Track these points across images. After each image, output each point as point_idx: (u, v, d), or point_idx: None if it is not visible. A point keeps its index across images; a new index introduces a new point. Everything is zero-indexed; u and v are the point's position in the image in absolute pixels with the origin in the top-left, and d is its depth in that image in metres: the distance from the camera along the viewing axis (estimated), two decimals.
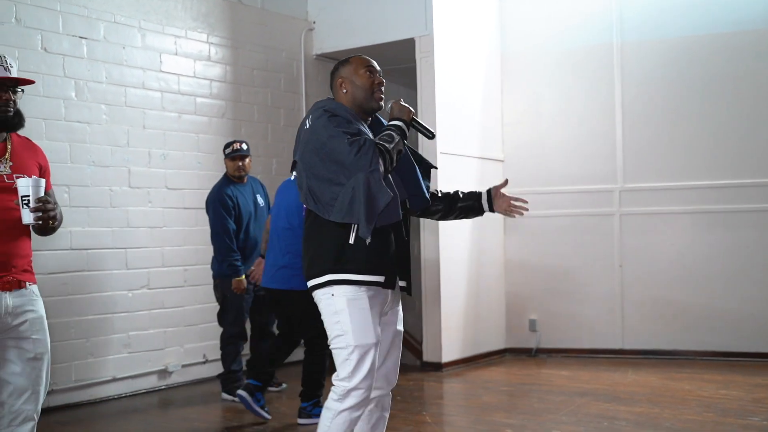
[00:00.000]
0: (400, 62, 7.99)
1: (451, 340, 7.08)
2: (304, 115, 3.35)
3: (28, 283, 3.11)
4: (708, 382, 6.17)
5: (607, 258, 7.54)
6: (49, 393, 5.57)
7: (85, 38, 5.94)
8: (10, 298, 3.02)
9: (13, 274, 3.04)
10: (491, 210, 3.56)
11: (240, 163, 5.90)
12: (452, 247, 7.10)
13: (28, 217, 2.95)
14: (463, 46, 7.49)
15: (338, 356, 3.13)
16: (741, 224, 7.13)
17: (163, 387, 6.39)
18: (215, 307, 6.23)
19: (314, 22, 7.84)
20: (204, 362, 6.72)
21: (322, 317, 3.19)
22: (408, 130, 3.24)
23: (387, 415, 3.39)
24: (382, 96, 3.34)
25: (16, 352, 3.05)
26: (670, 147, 7.39)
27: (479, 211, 3.59)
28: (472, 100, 7.59)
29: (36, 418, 3.11)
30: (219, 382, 6.13)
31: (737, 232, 7.15)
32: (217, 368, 6.75)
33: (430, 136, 3.39)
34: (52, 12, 5.74)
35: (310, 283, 3.20)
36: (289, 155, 7.48)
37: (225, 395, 5.95)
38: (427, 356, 7.09)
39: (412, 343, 7.69)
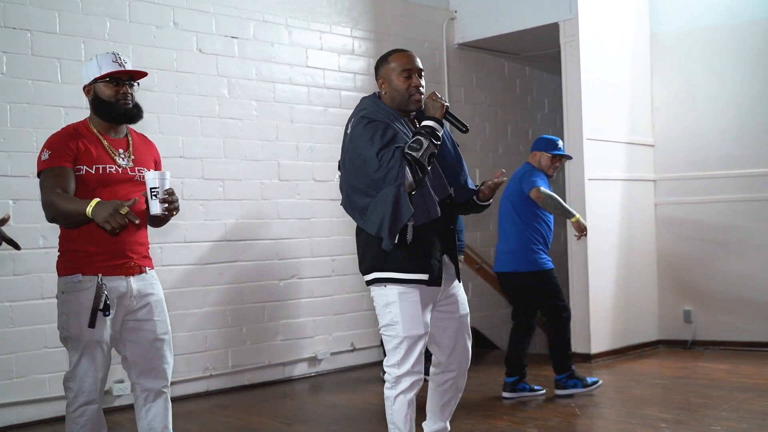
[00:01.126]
0: (544, 48, 7.86)
1: (599, 331, 6.90)
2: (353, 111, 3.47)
3: (148, 269, 3.31)
4: None
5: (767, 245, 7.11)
6: (207, 377, 5.90)
7: (236, 38, 6.19)
8: (134, 283, 3.23)
9: (135, 260, 3.24)
10: (479, 200, 3.60)
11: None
12: (600, 237, 6.90)
13: (156, 207, 3.07)
14: (610, 29, 7.25)
15: (388, 343, 3.35)
16: None
17: (313, 374, 6.58)
18: (362, 296, 6.34)
19: (455, 11, 7.82)
20: (352, 350, 6.86)
21: (375, 306, 3.40)
22: (442, 126, 3.29)
23: (460, 395, 3.62)
24: (420, 97, 3.37)
25: (140, 334, 3.26)
26: None
27: (476, 206, 3.65)
28: (619, 84, 7.34)
29: (166, 392, 3.34)
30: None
31: None
32: (365, 356, 6.89)
33: (464, 130, 3.42)
34: (206, 14, 6.01)
35: (365, 278, 3.42)
36: None
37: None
38: (576, 347, 6.94)
39: None
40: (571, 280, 6.97)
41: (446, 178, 3.43)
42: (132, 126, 3.37)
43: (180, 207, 3.23)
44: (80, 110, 5.11)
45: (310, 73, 6.68)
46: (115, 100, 3.21)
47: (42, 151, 3.15)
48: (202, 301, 5.94)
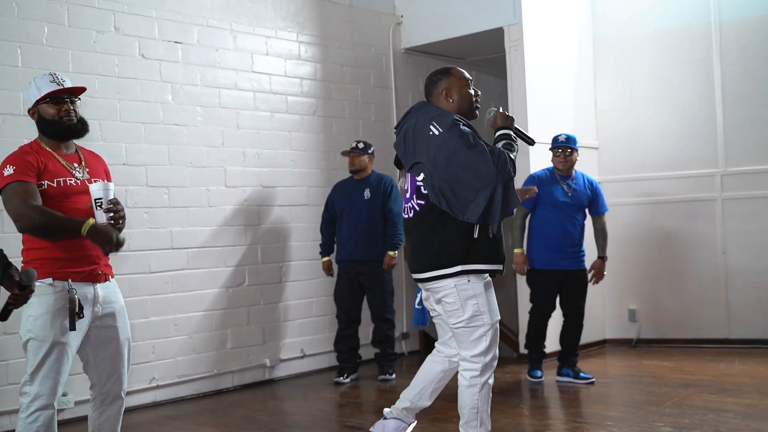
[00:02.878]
0: (489, 52, 7.93)
1: (547, 332, 6.96)
2: (412, 118, 3.76)
3: (110, 277, 3.49)
4: None
5: (710, 245, 7.28)
6: (154, 388, 5.81)
7: (180, 43, 6.12)
8: (100, 290, 3.40)
9: (101, 268, 3.41)
10: None
11: (354, 160, 6.39)
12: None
13: (101, 217, 3.25)
14: (553, 33, 7.36)
15: (471, 335, 3.61)
16: None
17: (263, 381, 6.52)
18: (312, 302, 6.33)
19: (402, 16, 7.85)
20: (302, 357, 6.82)
21: (449, 302, 3.63)
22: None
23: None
24: (480, 108, 3.83)
25: (103, 339, 3.41)
26: None
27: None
28: (563, 88, 7.45)
29: (123, 397, 3.51)
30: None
31: None
32: (315, 363, 6.87)
33: (532, 143, 3.82)
34: (148, 19, 5.93)
35: (435, 273, 3.63)
36: (380, 149, 7.53)
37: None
38: (524, 348, 7.00)
39: (508, 334, 7.62)
40: (519, 283, 7.03)
41: None
42: (78, 141, 3.53)
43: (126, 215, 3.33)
44: (17, 117, 5.03)
45: (256, 78, 6.64)
46: (58, 118, 3.37)
47: (3, 167, 3.28)
48: (148, 311, 5.85)
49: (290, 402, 6.02)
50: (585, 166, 7.43)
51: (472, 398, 3.63)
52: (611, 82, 7.73)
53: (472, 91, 3.76)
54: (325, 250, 6.50)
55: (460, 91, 3.73)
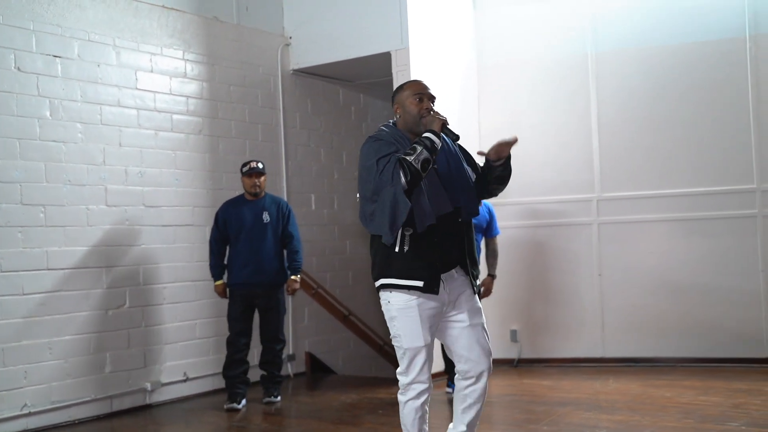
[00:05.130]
0: (378, 76, 8.02)
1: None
2: None
3: None
4: (688, 388, 6.20)
5: (586, 267, 7.57)
6: (26, 415, 5.55)
7: (59, 57, 5.92)
8: None
9: None
10: (493, 162, 3.74)
11: (255, 181, 6.26)
12: None
13: None
14: (440, 60, 7.52)
15: (397, 352, 3.62)
16: (717, 231, 7.19)
17: (143, 406, 6.34)
18: (195, 324, 6.20)
19: (291, 38, 7.86)
20: (185, 380, 6.67)
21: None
22: (440, 138, 3.50)
23: (481, 403, 3.71)
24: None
25: None
26: (646, 156, 7.45)
27: (493, 171, 3.75)
28: (449, 113, 7.48)
29: None
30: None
31: (714, 239, 7.20)
32: (198, 386, 6.73)
33: (455, 138, 3.64)
34: (25, 31, 5.72)
35: (375, 284, 3.66)
36: (267, 170, 7.49)
37: None
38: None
39: (393, 355, 7.67)
40: None
41: (453, 193, 3.60)
42: None
43: None
44: None
45: (140, 95, 6.50)
46: None
47: None
48: (21, 334, 5.59)
49: (171, 427, 5.87)
50: None
51: (401, 414, 3.65)
52: (494, 108, 7.96)
53: (417, 107, 3.62)
54: (218, 272, 6.26)
55: (405, 106, 3.66)
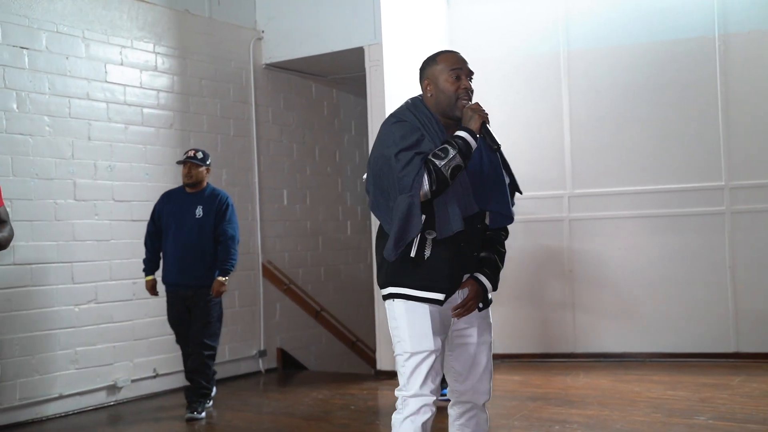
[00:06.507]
0: (351, 71, 8.01)
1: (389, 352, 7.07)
2: None
3: None
4: (656, 383, 6.27)
5: (558, 263, 7.62)
6: None
7: (27, 48, 5.83)
8: None
9: None
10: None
11: (189, 171, 5.83)
12: None
13: None
14: (413, 55, 7.47)
15: (398, 365, 3.03)
16: (686, 228, 7.28)
17: (112, 403, 6.28)
18: (165, 320, 6.14)
19: (263, 32, 7.81)
20: (155, 376, 6.61)
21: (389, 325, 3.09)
22: (476, 140, 2.95)
23: None
24: (467, 103, 3.04)
25: None
26: (616, 153, 7.51)
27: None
28: None
29: None
30: None
31: (682, 236, 7.28)
32: (168, 382, 6.68)
33: (495, 147, 3.07)
34: None
35: (382, 291, 3.09)
36: (239, 165, 7.44)
37: None
38: (381, 365, 7.08)
39: (366, 351, 7.68)
40: (377, 303, 7.10)
41: (484, 194, 3.07)
42: None
43: None
44: None
45: (110, 88, 6.42)
46: None
47: None
48: None
49: (141, 425, 5.81)
50: None
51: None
52: None
53: (455, 85, 3.02)
54: (150, 267, 5.86)
55: (440, 83, 3.03)
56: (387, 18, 7.12)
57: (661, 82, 7.40)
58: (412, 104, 3.07)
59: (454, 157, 2.85)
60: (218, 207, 5.79)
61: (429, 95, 3.07)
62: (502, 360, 7.66)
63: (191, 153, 5.88)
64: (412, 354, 2.94)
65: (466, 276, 3.04)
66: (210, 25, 7.35)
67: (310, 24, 7.54)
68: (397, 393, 3.01)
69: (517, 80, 7.84)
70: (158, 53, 6.83)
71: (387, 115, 3.12)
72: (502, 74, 7.87)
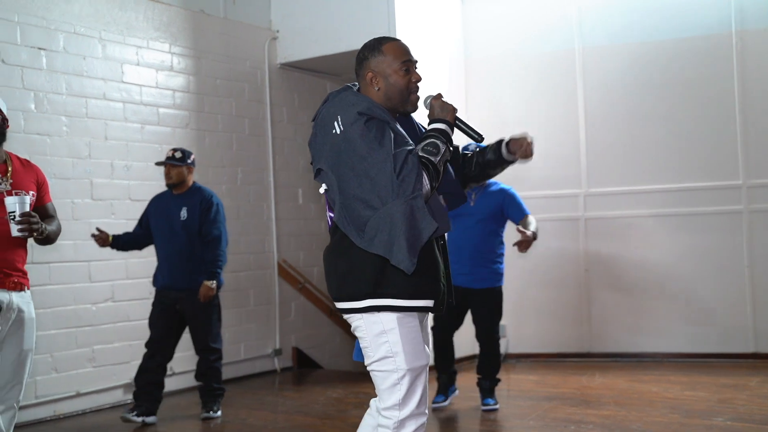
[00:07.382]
0: None
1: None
2: (322, 112, 2.84)
3: (26, 288, 3.63)
4: (674, 383, 6.23)
5: (573, 262, 7.59)
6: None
7: (44, 49, 5.87)
8: (15, 298, 3.54)
9: (17, 277, 3.56)
10: (509, 153, 3.05)
11: (165, 172, 5.68)
12: None
13: (14, 230, 3.45)
14: (426, 53, 7.48)
15: (384, 381, 2.75)
16: (703, 227, 7.22)
17: (128, 401, 6.30)
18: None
19: (278, 31, 7.82)
20: (171, 375, 6.63)
21: (360, 337, 2.80)
22: (452, 132, 2.84)
23: None
24: (419, 96, 2.91)
25: (8, 347, 3.52)
26: (632, 151, 7.48)
27: (499, 162, 3.06)
28: None
29: (17, 407, 3.58)
30: None
31: (699, 235, 7.23)
32: (184, 381, 6.70)
33: (479, 138, 2.92)
34: (9, 23, 5.67)
35: (345, 305, 2.78)
36: (254, 164, 7.44)
37: None
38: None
39: None
40: None
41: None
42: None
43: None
44: None
45: (126, 88, 6.45)
46: None
47: None
48: None
49: (159, 423, 5.83)
50: None
51: None
52: (481, 102, 7.95)
53: (406, 78, 2.86)
54: (118, 236, 5.60)
55: (390, 77, 2.83)
56: (401, 17, 7.11)
57: (677, 79, 7.35)
58: (365, 98, 2.81)
59: (444, 152, 2.76)
60: (202, 207, 5.59)
61: (376, 89, 2.85)
62: (517, 360, 7.64)
63: (170, 153, 5.66)
64: (409, 370, 2.73)
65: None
66: (225, 25, 7.37)
67: (324, 23, 7.55)
68: (385, 413, 2.74)
69: (531, 78, 7.81)
70: (174, 53, 6.86)
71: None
72: (517, 71, 7.85)
